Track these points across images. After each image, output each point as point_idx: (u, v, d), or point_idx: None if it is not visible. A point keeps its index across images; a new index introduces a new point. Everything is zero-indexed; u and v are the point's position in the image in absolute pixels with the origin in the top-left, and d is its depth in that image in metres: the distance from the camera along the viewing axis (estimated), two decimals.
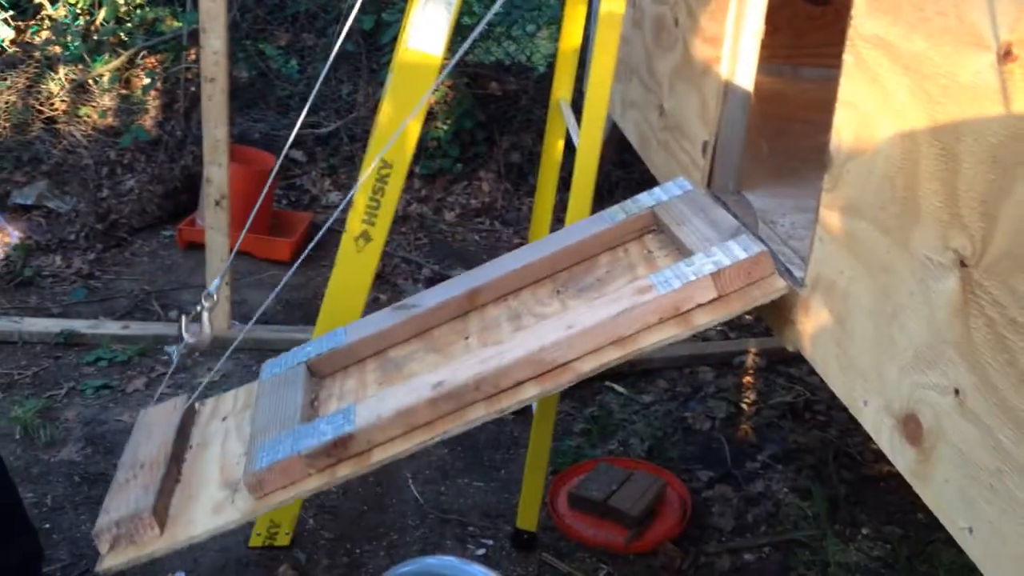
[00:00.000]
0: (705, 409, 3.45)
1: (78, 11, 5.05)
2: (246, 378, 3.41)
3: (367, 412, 1.73)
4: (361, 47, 5.21)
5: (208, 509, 1.76)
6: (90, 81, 4.96)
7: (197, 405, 2.13)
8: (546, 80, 5.04)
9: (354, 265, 2.48)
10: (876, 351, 1.45)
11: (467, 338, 1.99)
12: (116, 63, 5.00)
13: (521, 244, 4.52)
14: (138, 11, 5.21)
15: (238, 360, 3.54)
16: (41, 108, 4.82)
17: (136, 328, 3.72)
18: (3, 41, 4.96)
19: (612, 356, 1.73)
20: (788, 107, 3.04)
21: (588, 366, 1.73)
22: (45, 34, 5.02)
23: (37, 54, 4.91)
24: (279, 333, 3.70)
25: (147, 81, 5.04)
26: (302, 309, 4.00)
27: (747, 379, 3.68)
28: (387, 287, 4.27)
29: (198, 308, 2.01)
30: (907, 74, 1.38)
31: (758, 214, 2.16)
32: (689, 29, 2.45)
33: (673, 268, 1.80)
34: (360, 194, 2.42)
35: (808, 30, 3.40)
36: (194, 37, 4.75)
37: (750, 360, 3.76)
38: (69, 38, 4.97)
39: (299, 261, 2.27)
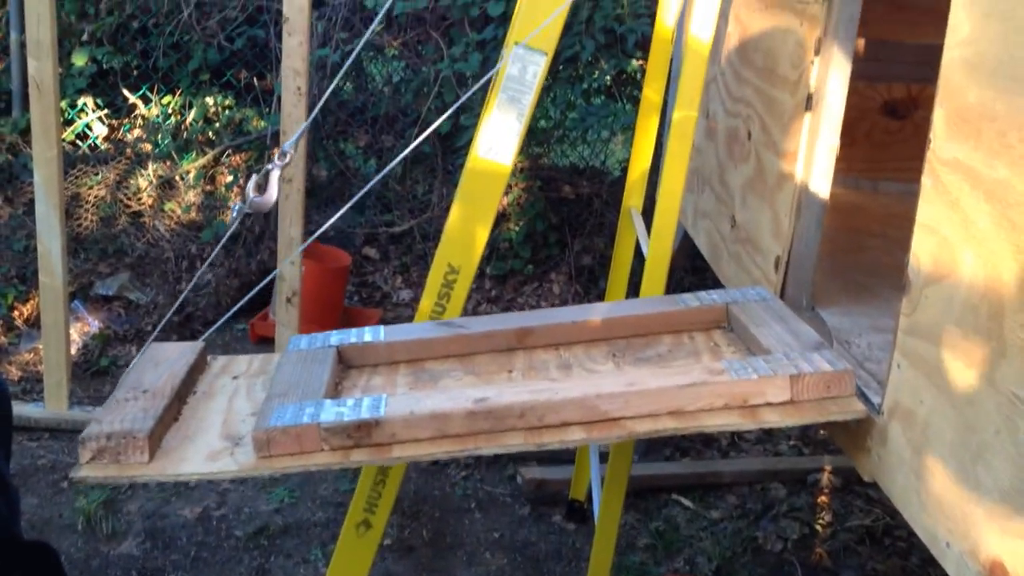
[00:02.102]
0: (777, 529, 3.30)
1: (170, 111, 5.27)
2: (309, 476, 3.40)
3: (399, 406, 1.66)
4: (437, 148, 5.31)
5: (203, 454, 1.67)
6: (177, 177, 5.14)
7: (209, 358, 2.06)
8: (620, 184, 5.05)
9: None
10: (960, 490, 1.36)
11: (511, 372, 1.92)
12: (202, 161, 5.18)
13: None
14: (226, 112, 5.42)
15: None
16: (128, 203, 5.00)
17: None
18: (97, 138, 5.19)
19: (668, 425, 1.65)
20: (866, 221, 2.98)
21: (642, 428, 1.65)
22: (137, 132, 5.24)
23: (128, 151, 5.12)
24: None
25: (231, 179, 5.21)
26: None
27: (822, 499, 3.53)
28: None
29: (268, 167, 1.91)
30: (989, 201, 1.32)
31: (833, 333, 2.08)
32: (762, 143, 2.43)
33: (749, 360, 1.74)
34: (426, 298, 2.42)
35: (887, 144, 3.35)
36: (277, 138, 4.90)
37: (825, 478, 3.61)
38: (159, 136, 5.18)
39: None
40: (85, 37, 4.98)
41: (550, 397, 1.65)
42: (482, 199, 2.37)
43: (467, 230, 2.35)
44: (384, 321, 4.58)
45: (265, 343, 4.28)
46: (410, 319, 2.36)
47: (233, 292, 4.70)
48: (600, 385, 1.69)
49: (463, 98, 2.43)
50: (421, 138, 2.42)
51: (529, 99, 2.33)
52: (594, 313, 2.08)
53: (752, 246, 2.48)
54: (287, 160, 1.93)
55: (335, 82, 2.48)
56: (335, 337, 2.03)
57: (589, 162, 5.62)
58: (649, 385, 1.67)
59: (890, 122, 3.38)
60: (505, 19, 4.84)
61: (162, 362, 1.94)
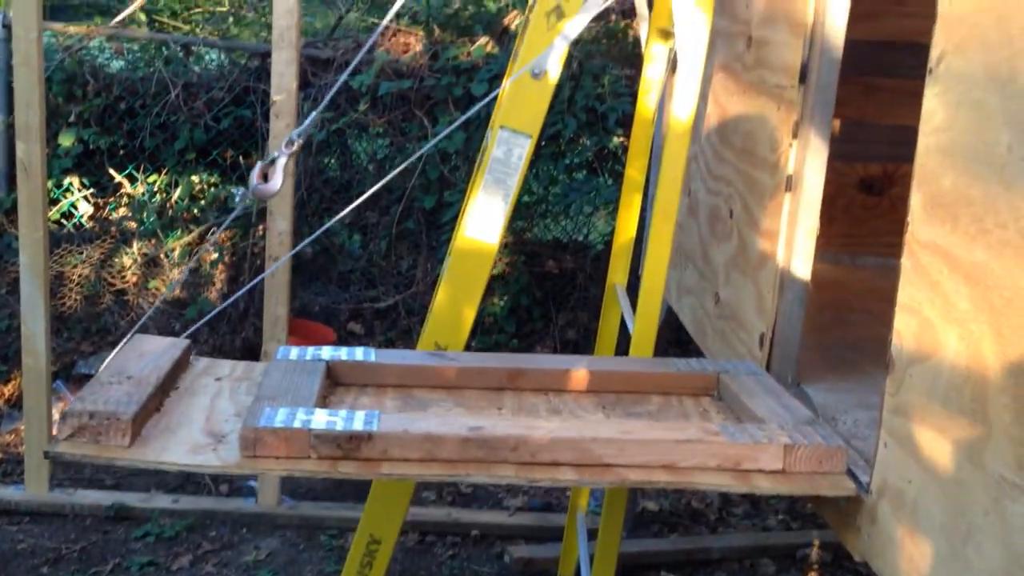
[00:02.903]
0: None
1: (155, 189, 5.31)
2: (294, 557, 3.34)
3: (392, 424, 1.64)
4: (422, 225, 5.36)
5: (185, 446, 1.64)
6: (162, 255, 5.15)
7: (192, 357, 2.03)
8: (603, 258, 5.10)
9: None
10: (950, 572, 1.37)
11: (500, 409, 1.91)
12: (188, 239, 5.20)
13: None
14: (212, 189, 5.46)
15: (284, 538, 3.47)
16: (113, 281, 5.00)
17: (186, 502, 3.70)
18: (82, 217, 5.21)
19: (660, 478, 1.65)
20: (847, 296, 3.02)
21: (634, 476, 1.65)
22: (123, 211, 5.26)
23: (113, 229, 5.14)
24: (328, 511, 3.65)
25: (216, 256, 5.22)
26: (352, 484, 3.95)
27: (812, 574, 3.50)
28: None
29: (275, 155, 1.88)
30: (969, 284, 1.35)
31: (819, 409, 2.10)
32: (744, 222, 2.47)
33: (745, 425, 1.75)
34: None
35: (865, 219, 3.42)
36: (262, 215, 4.94)
37: (815, 554, 3.59)
38: (145, 214, 5.20)
39: None
40: (72, 118, 5.03)
41: (543, 434, 1.65)
42: (469, 279, 2.39)
43: (454, 310, 2.37)
44: None
45: None
46: None
47: None
48: (596, 429, 1.70)
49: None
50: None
51: (515, 181, 2.38)
52: (586, 364, 2.10)
53: (736, 323, 2.50)
54: (294, 148, 1.91)
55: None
56: (326, 352, 2.02)
57: (572, 236, 5.68)
58: (645, 435, 1.68)
59: (867, 198, 3.45)
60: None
61: (147, 353, 1.91)
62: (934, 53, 1.50)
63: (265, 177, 1.91)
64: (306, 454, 1.60)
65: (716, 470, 1.67)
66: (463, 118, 2.55)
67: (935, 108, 1.49)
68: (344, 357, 2.02)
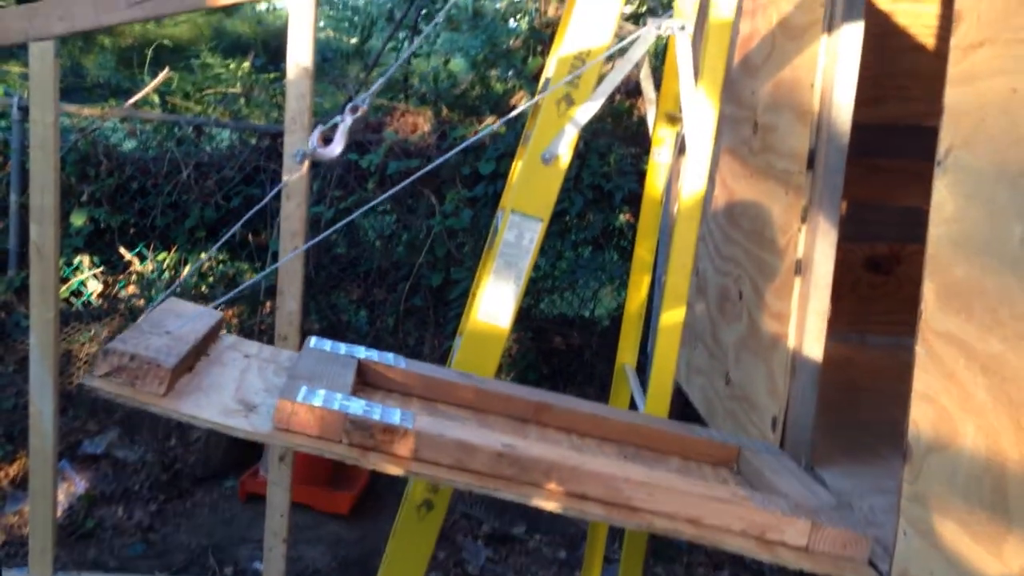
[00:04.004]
0: None
1: (164, 266, 5.35)
2: None
3: (428, 425, 1.61)
4: (429, 301, 5.38)
5: (217, 408, 1.61)
6: None
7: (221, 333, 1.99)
8: (609, 334, 5.11)
9: (415, 534, 2.42)
10: None
11: (525, 438, 1.88)
12: None
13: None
14: (220, 266, 5.49)
15: None
16: None
17: None
18: (92, 294, 5.24)
19: (686, 531, 1.64)
20: (857, 375, 3.01)
21: (660, 524, 1.64)
22: (132, 288, 5.29)
23: (122, 307, 5.16)
24: None
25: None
26: (359, 567, 3.90)
27: None
28: (446, 543, 4.16)
29: (338, 119, 1.82)
30: (986, 375, 1.35)
31: (835, 495, 2.08)
32: (754, 303, 2.48)
33: (772, 497, 1.74)
34: None
35: (872, 298, 3.43)
36: (271, 292, 4.96)
37: None
38: (154, 291, 5.23)
39: None
40: (84, 197, 5.10)
41: (578, 464, 1.63)
42: (481, 361, 2.39)
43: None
44: (377, 476, 4.52)
45: (255, 501, 4.21)
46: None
47: (223, 448, 4.66)
48: (627, 470, 1.68)
49: None
50: None
51: (526, 264, 2.39)
52: (612, 413, 2.09)
53: (748, 404, 2.50)
54: (357, 114, 1.86)
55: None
56: (359, 350, 2.01)
57: (579, 312, 5.69)
58: (676, 485, 1.66)
59: (874, 277, 3.46)
60: (495, 177, 4.99)
61: (183, 315, 1.89)
62: (942, 146, 1.53)
63: (327, 141, 1.88)
64: (338, 438, 1.59)
65: (741, 534, 1.66)
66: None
67: (945, 199, 1.51)
68: (376, 358, 2.00)
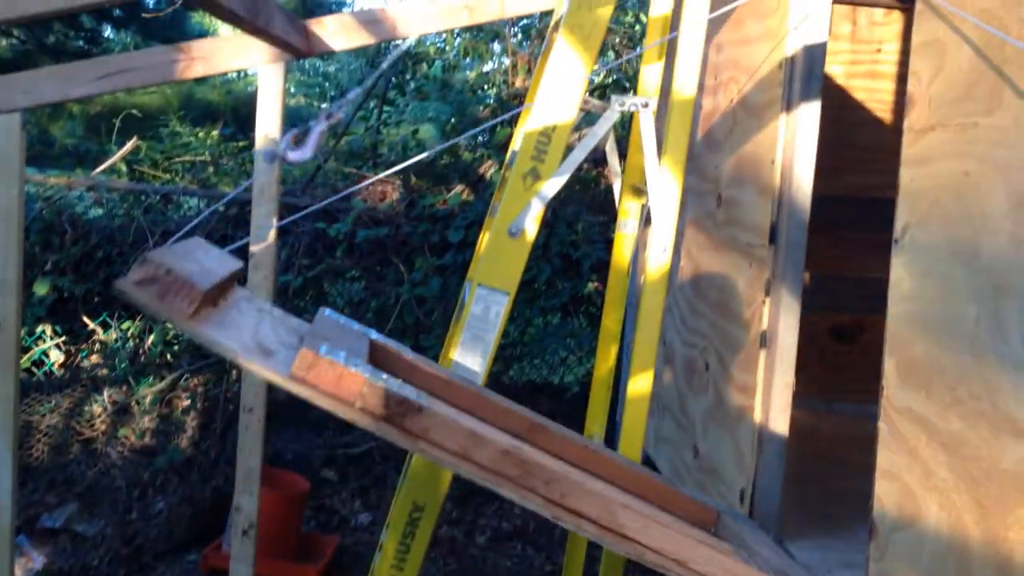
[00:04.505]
0: None
1: (129, 335, 5.28)
2: None
3: (441, 408, 1.60)
4: None
5: (236, 344, 1.57)
6: (132, 403, 5.08)
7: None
8: (579, 401, 5.09)
9: None
10: None
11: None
12: (160, 386, 5.15)
13: (553, 571, 4.37)
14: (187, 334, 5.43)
15: None
16: (81, 430, 4.91)
17: None
18: (53, 364, 5.16)
19: (672, 570, 1.63)
20: (824, 445, 3.02)
21: (650, 557, 1.62)
22: (95, 358, 5.22)
23: (84, 377, 5.08)
24: None
25: (188, 403, 5.16)
26: None
27: None
28: None
29: (311, 124, 1.80)
30: (946, 452, 1.36)
31: (804, 569, 2.07)
32: (720, 375, 2.50)
33: (755, 556, 1.74)
34: (390, 539, 2.37)
35: (838, 367, 3.46)
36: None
37: None
38: (117, 360, 5.16)
39: None
40: (48, 266, 5.05)
41: (577, 480, 1.63)
42: None
43: (434, 467, 2.34)
44: (343, 548, 4.45)
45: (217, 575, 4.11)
46: (370, 544, 2.32)
47: (186, 521, 4.56)
48: (627, 499, 1.69)
49: None
50: None
51: (493, 337, 2.40)
52: (602, 449, 2.10)
53: (716, 476, 2.49)
54: (331, 120, 1.89)
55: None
56: (370, 332, 1.98)
57: (548, 379, 5.68)
58: (671, 524, 1.67)
59: (839, 345, 3.50)
60: (464, 245, 5.02)
61: (210, 253, 1.85)
62: (899, 224, 1.56)
63: (299, 142, 1.88)
64: (353, 400, 1.56)
65: None
66: None
67: (903, 277, 1.54)
68: (382, 340, 1.99)
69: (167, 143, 5.94)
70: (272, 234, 3.66)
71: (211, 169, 5.74)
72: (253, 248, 3.61)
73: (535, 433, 2.02)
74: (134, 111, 5.89)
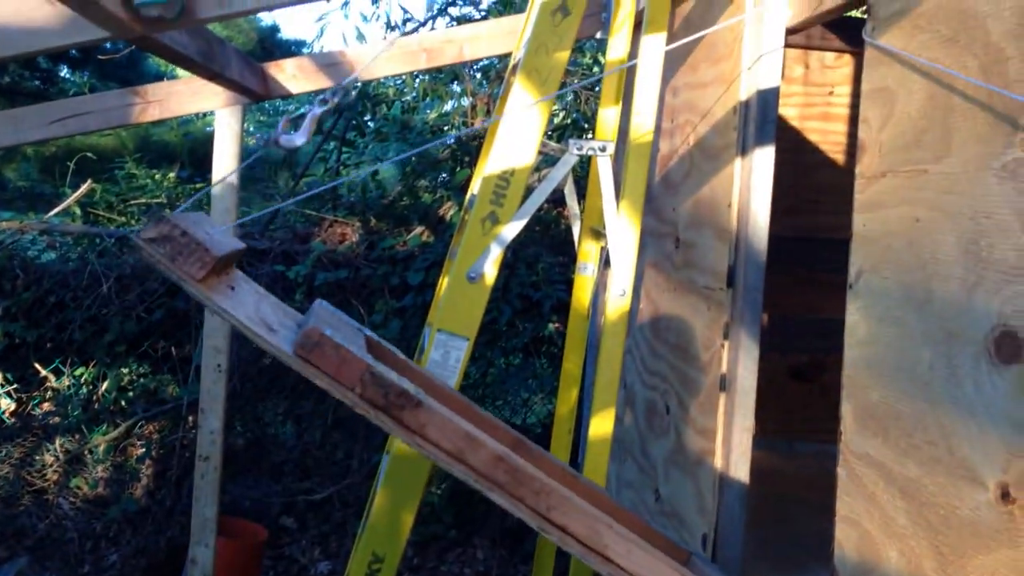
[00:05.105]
0: None
1: (82, 382, 5.18)
2: None
3: (438, 408, 1.59)
4: (358, 414, 5.28)
5: (242, 313, 1.59)
6: (85, 452, 4.97)
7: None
8: (542, 441, 5.05)
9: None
10: None
11: None
12: (114, 434, 5.04)
13: None
14: (141, 380, 5.34)
15: None
16: (32, 479, 4.79)
17: None
18: (4, 413, 5.03)
19: None
20: (785, 485, 3.02)
21: None
22: (47, 405, 5.10)
23: (35, 425, 4.96)
24: None
25: (142, 451, 5.06)
26: None
27: None
28: None
29: (305, 109, 1.77)
30: (904, 498, 1.36)
31: None
32: (681, 418, 2.49)
33: None
34: None
35: (798, 406, 3.47)
36: (193, 407, 4.83)
37: None
38: (70, 408, 5.05)
39: None
40: None
41: (567, 496, 1.63)
42: (408, 485, 2.34)
43: (393, 517, 2.30)
44: None
45: None
46: None
47: (140, 574, 4.45)
48: (611, 522, 1.67)
49: None
50: None
51: (453, 383, 2.37)
52: (582, 478, 2.09)
53: (678, 520, 2.48)
54: (327, 106, 1.87)
55: None
56: (365, 329, 1.99)
57: (510, 420, 5.64)
58: (653, 553, 1.66)
59: (799, 385, 3.52)
60: (424, 287, 4.99)
61: (214, 227, 1.82)
62: (852, 269, 1.57)
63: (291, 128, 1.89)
64: (354, 385, 1.56)
65: None
66: None
67: (858, 322, 1.55)
68: (376, 339, 1.99)
69: (122, 185, 5.87)
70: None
71: (168, 212, 5.66)
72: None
73: (519, 451, 2.02)
74: (89, 154, 5.82)
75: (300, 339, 1.58)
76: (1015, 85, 1.20)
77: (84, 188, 5.48)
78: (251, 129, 11.21)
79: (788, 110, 3.54)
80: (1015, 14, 1.21)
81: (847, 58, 3.55)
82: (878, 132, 1.52)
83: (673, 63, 2.78)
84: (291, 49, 12.86)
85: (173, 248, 1.57)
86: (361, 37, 6.62)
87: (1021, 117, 1.18)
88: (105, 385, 5.15)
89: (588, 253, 3.05)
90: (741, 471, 2.16)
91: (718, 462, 2.19)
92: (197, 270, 1.56)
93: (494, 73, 5.96)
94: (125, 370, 5.26)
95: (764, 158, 2.15)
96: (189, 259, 1.57)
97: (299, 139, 1.93)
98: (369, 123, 6.39)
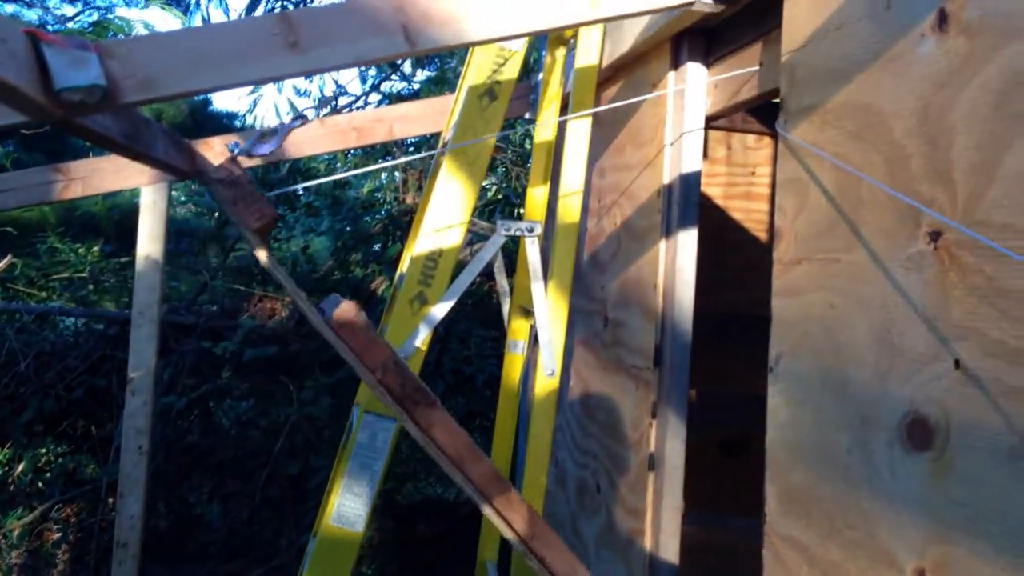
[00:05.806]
0: None
1: None
2: None
3: (449, 417, 1.66)
4: (287, 491, 5.17)
5: (283, 276, 1.71)
6: None
7: None
8: (474, 518, 4.99)
9: None
10: None
11: None
12: (29, 517, 4.84)
13: None
14: (59, 461, 5.16)
15: None
16: None
17: None
18: None
19: None
20: (715, 562, 3.02)
21: None
22: None
23: None
24: None
25: (59, 535, 4.86)
26: None
27: None
28: None
29: (279, 124, 1.85)
30: None
31: None
32: (611, 497, 2.49)
33: None
34: None
35: (728, 480, 3.49)
36: (113, 488, 4.66)
37: None
38: None
39: None
40: None
41: (552, 532, 1.68)
42: (334, 568, 2.29)
43: None
44: None
45: None
46: None
47: None
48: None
49: None
50: None
51: (380, 465, 2.34)
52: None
53: None
54: (303, 123, 1.90)
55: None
56: None
57: (443, 496, 5.57)
58: None
59: (729, 459, 3.54)
60: None
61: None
62: (773, 353, 1.60)
63: (267, 138, 1.91)
64: (374, 367, 1.63)
65: None
66: None
67: (779, 405, 1.57)
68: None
69: (44, 260, 5.74)
70: (152, 362, 3.53)
71: (91, 287, 5.55)
72: (132, 374, 3.47)
73: None
74: (9, 228, 5.69)
75: (339, 311, 1.66)
76: (917, 181, 1.25)
77: (3, 263, 5.34)
78: (182, 199, 11.08)
79: (712, 189, 3.63)
80: (914, 113, 1.27)
81: (767, 140, 3.67)
82: (792, 220, 1.57)
83: (600, 145, 2.84)
84: (223, 121, 12.80)
85: (238, 192, 1.69)
86: (294, 111, 6.65)
87: (922, 213, 1.23)
88: (21, 467, 4.96)
89: (518, 331, 3.07)
90: (671, 551, 2.16)
91: (648, 542, 2.19)
92: (255, 220, 1.67)
93: (425, 148, 6.02)
94: (43, 450, 5.08)
95: (688, 239, 2.20)
96: (249, 208, 1.68)
97: (266, 148, 1.97)
98: (299, 197, 6.37)
